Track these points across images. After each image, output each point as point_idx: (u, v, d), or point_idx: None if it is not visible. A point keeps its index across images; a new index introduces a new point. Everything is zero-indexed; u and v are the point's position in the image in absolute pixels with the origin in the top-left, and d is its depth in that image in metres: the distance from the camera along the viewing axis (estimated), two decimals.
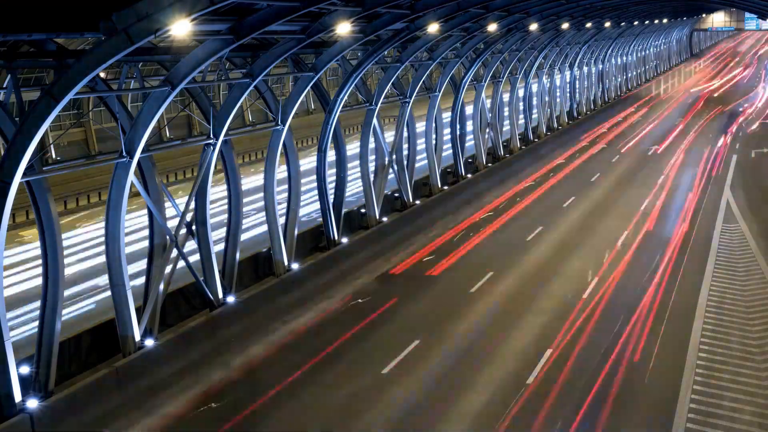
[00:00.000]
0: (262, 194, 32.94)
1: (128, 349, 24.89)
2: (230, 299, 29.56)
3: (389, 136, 44.64)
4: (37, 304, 23.26)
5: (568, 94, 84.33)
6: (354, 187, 44.67)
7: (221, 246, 30.37)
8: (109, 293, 25.09)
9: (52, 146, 54.45)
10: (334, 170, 38.01)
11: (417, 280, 35.56)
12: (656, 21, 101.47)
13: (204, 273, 28.89)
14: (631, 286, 33.63)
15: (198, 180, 28.24)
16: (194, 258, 29.30)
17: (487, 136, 58.14)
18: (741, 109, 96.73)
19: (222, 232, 30.85)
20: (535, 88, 72.93)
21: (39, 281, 24.70)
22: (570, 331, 28.87)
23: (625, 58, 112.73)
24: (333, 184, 37.87)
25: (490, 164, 57.32)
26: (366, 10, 28.52)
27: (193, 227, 28.60)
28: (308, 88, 33.87)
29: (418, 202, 45.28)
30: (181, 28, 20.74)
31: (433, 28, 36.01)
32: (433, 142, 48.67)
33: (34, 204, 22.34)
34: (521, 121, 68.18)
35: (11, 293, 33.99)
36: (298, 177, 34.44)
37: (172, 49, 27.02)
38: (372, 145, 41.09)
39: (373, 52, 36.29)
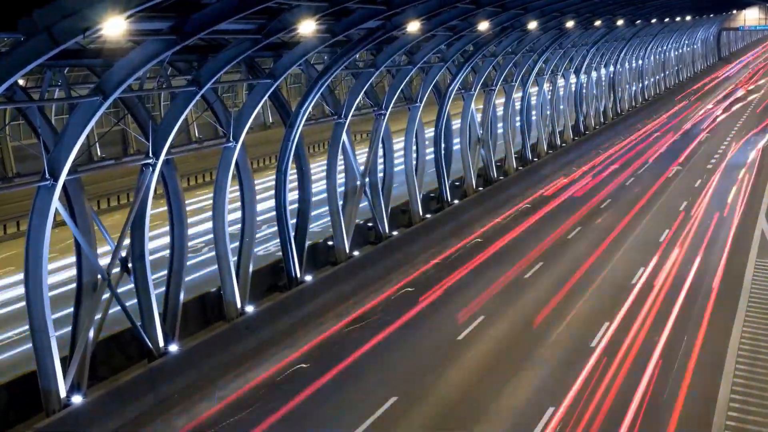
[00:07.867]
0: (210, 223, 33.10)
1: (52, 407, 24.86)
2: (173, 348, 29.58)
3: (361, 154, 44.83)
4: None
5: (573, 105, 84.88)
6: (320, 215, 44.86)
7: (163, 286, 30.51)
8: None
9: None
10: (296, 194, 38.20)
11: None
12: (678, 19, 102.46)
13: (142, 317, 28.92)
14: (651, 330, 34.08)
15: (135, 207, 28.32)
16: (131, 300, 29.35)
17: (477, 154, 58.50)
18: None
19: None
20: (534, 98, 73.50)
21: None
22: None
23: (641, 62, 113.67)
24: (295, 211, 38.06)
25: (481, 188, 57.66)
26: (334, 5, 28.86)
27: (129, 263, 28.67)
28: (265, 97, 34.08)
29: (395, 232, 45.48)
30: (114, 27, 20.94)
31: (414, 26, 36.36)
32: (414, 161, 48.94)
33: None
34: (518, 138, 68.66)
35: None
36: (254, 203, 34.59)
37: (104, 51, 27.23)
38: (341, 165, 41.31)
39: (342, 55, 36.59)
